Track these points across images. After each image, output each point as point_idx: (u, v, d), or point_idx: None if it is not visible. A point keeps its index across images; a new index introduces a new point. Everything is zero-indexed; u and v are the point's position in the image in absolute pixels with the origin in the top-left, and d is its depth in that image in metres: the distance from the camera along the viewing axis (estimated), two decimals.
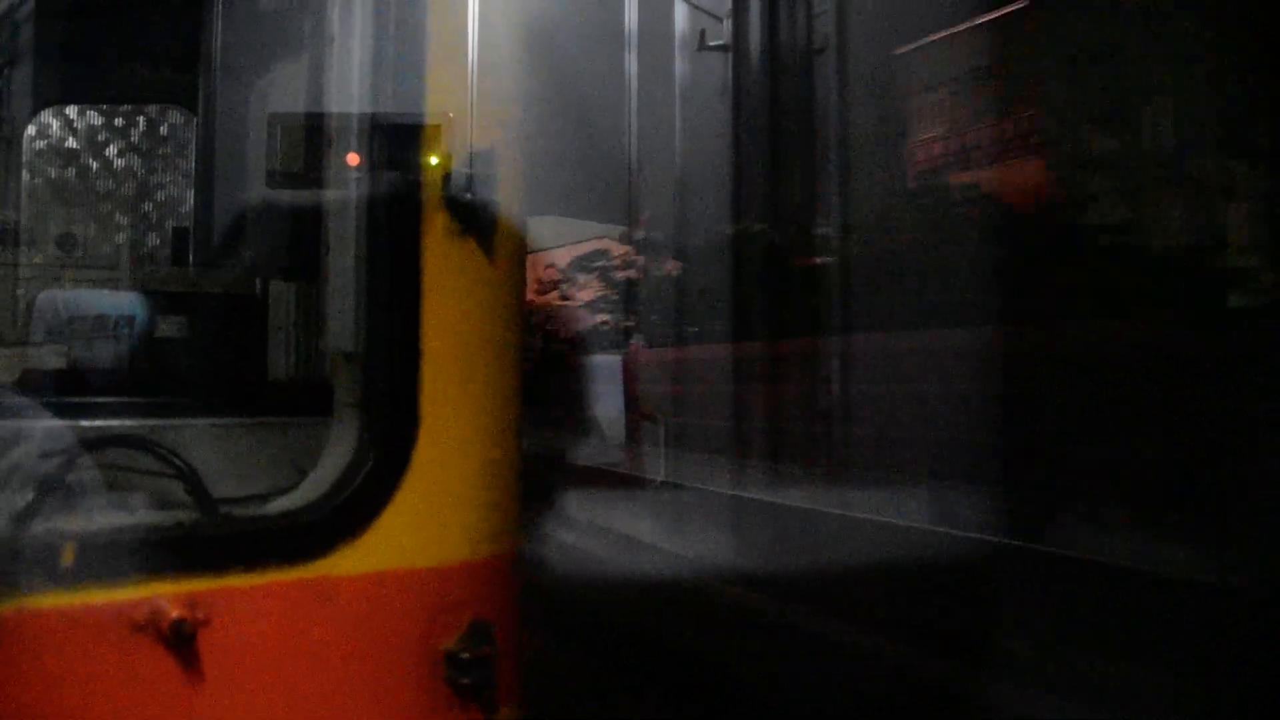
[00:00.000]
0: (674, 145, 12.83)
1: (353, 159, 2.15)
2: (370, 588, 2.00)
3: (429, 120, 2.10)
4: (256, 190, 2.43)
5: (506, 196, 2.19)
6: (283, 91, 2.52)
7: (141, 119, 3.96)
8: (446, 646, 2.05)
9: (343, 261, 2.10)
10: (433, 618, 2.05)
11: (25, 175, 3.67)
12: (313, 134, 2.28)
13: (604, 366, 12.53)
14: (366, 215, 2.08)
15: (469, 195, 2.10)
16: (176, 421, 2.19)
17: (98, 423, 2.13)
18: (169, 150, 3.84)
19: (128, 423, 2.14)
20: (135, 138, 3.93)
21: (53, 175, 3.81)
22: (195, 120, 3.73)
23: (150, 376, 2.55)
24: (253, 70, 3.02)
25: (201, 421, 2.21)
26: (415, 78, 2.10)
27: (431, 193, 2.09)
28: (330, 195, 2.14)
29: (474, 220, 2.12)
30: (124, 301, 2.82)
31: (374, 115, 2.07)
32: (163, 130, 3.89)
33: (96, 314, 2.93)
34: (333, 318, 2.09)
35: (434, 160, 2.09)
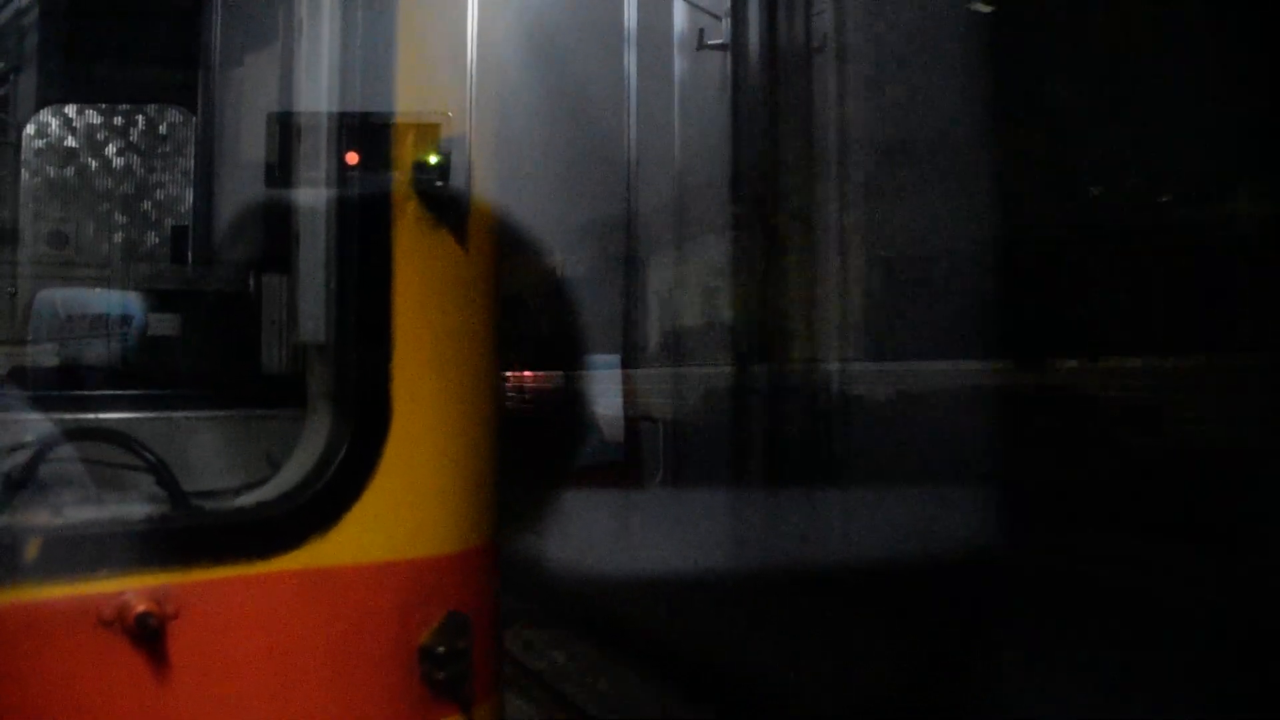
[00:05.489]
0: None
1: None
2: (342, 582, 1.98)
3: (399, 109, 2.07)
4: (244, 185, 2.42)
5: (482, 188, 2.16)
6: (264, 88, 2.51)
7: (140, 118, 3.97)
8: (421, 641, 2.03)
9: (313, 252, 2.07)
10: (407, 612, 2.03)
11: (24, 173, 3.69)
12: (289, 129, 2.25)
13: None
14: (336, 205, 2.06)
15: (440, 185, 2.07)
16: (154, 415, 2.17)
17: (74, 416, 2.12)
18: (167, 149, 3.85)
19: (104, 416, 2.13)
20: (134, 136, 3.94)
21: (51, 174, 3.83)
22: (194, 119, 3.73)
23: (134, 370, 2.55)
24: (243, 68, 3.01)
25: (179, 414, 2.20)
26: (385, 67, 2.08)
27: (402, 182, 2.07)
28: (302, 185, 2.12)
29: (446, 210, 2.10)
30: (114, 295, 2.83)
31: (342, 105, 2.05)
32: (161, 129, 3.90)
33: (90, 309, 2.93)
34: (304, 309, 2.07)
35: (404, 149, 2.06)
